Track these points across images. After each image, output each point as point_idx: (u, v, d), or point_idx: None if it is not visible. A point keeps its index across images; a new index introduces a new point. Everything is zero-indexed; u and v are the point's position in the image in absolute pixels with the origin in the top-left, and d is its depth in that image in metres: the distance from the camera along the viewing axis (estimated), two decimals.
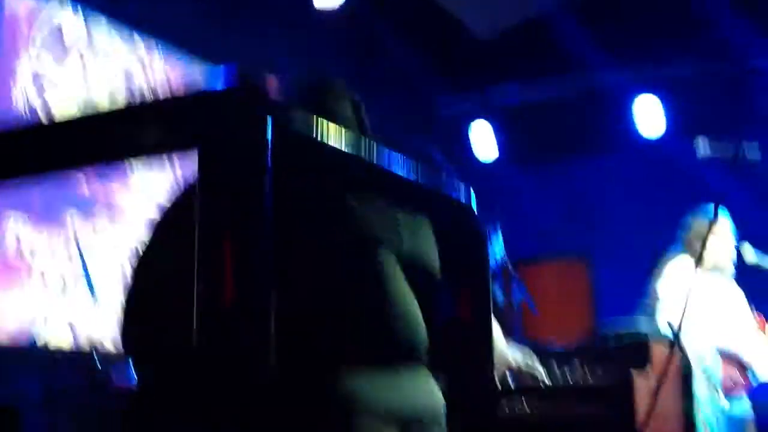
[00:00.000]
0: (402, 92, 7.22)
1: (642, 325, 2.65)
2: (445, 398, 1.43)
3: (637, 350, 2.28)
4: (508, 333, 5.87)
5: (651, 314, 4.23)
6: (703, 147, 3.49)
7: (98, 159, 1.14)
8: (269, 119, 0.77)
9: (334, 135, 0.89)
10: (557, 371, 2.41)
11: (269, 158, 0.74)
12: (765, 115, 6.23)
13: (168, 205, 1.80)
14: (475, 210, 1.22)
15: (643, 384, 2.16)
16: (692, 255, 4.08)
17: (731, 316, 4.09)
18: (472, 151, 7.27)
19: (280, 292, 1.22)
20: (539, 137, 7.20)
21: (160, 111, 0.84)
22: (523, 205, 7.70)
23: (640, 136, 6.70)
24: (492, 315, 1.28)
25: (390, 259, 1.69)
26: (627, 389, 2.09)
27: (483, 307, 1.25)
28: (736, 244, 4.09)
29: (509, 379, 2.18)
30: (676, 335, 2.54)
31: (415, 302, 1.72)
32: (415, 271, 1.73)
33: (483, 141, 7.28)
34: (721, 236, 4.10)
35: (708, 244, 4.08)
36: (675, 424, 2.41)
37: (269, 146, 0.75)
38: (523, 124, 7.21)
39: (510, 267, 5.26)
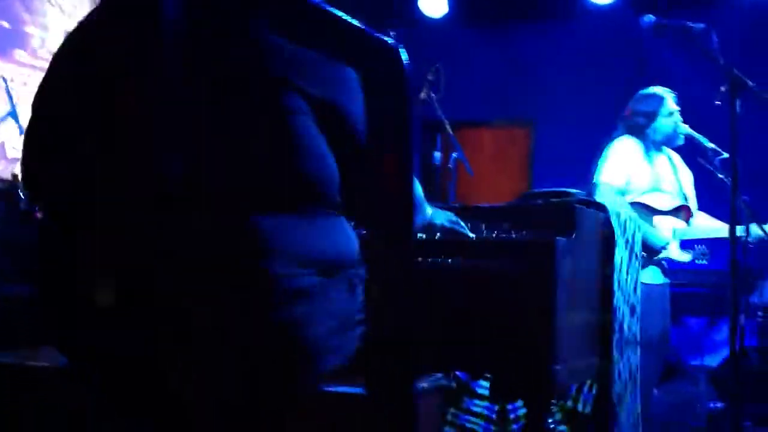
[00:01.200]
0: None
1: (575, 193, 2.68)
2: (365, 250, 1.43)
3: (563, 212, 2.31)
4: (442, 192, 5.89)
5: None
6: (648, 22, 3.50)
7: None
8: None
9: None
10: (483, 229, 2.44)
11: None
12: None
13: (68, 35, 1.73)
14: (405, 60, 1.19)
15: (567, 245, 2.20)
16: (636, 136, 4.17)
17: (666, 195, 4.22)
18: (417, 4, 7.11)
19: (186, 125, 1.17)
20: None
21: None
22: (470, 65, 7.63)
23: (591, 3, 6.64)
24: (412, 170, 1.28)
25: (298, 102, 1.64)
26: (548, 248, 2.13)
27: (405, 160, 1.24)
28: (679, 119, 4.18)
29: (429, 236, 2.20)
30: (603, 204, 2.60)
31: (324, 147, 1.70)
32: (329, 118, 1.70)
33: None
34: (667, 114, 4.19)
35: (655, 123, 4.18)
36: (595, 284, 2.48)
37: None
38: None
39: (447, 125, 5.26)
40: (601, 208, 2.55)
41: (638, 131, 4.20)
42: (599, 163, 4.21)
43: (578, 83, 7.21)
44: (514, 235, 2.37)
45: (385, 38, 1.12)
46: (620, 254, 2.62)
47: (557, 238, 2.18)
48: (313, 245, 1.70)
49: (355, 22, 1.12)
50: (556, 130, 7.44)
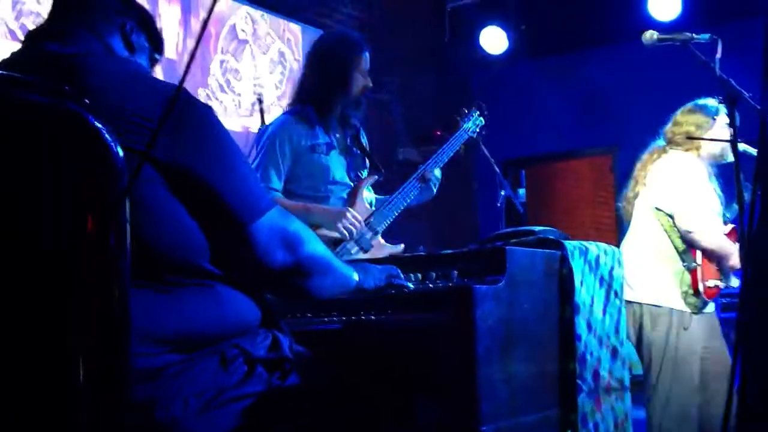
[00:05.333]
0: None
1: (537, 231, 2.49)
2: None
3: (494, 256, 2.14)
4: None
5: (627, 216, 4.05)
6: (649, 39, 3.29)
7: None
8: None
9: None
10: (434, 278, 2.30)
11: None
12: None
13: None
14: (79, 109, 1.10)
15: (491, 291, 2.04)
16: (686, 149, 3.87)
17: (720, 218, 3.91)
18: (479, 43, 7.00)
19: None
20: (549, 27, 6.88)
21: None
22: (543, 98, 7.44)
23: (654, 21, 6.36)
24: (127, 231, 1.18)
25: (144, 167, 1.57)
26: (466, 296, 1.97)
27: (112, 221, 1.15)
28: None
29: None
30: (561, 242, 2.40)
31: (181, 214, 1.62)
32: (184, 184, 1.61)
33: (492, 33, 6.99)
34: (723, 126, 3.91)
35: (708, 136, 3.88)
36: (548, 329, 2.28)
37: None
38: (533, 13, 6.89)
39: (494, 164, 5.09)
40: (557, 246, 2.35)
41: (688, 146, 3.89)
42: (665, 186, 3.85)
43: (654, 103, 6.87)
44: (449, 284, 2.21)
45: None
46: (589, 293, 2.41)
47: (475, 285, 2.01)
48: (170, 321, 1.62)
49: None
50: (638, 153, 7.11)
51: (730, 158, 3.90)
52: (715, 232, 3.75)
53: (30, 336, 1.06)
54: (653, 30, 5.24)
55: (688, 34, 3.21)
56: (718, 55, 3.07)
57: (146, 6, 1.87)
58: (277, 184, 3.23)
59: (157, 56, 1.91)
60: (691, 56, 6.77)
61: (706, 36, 3.15)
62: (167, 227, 1.60)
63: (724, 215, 3.92)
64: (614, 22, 6.62)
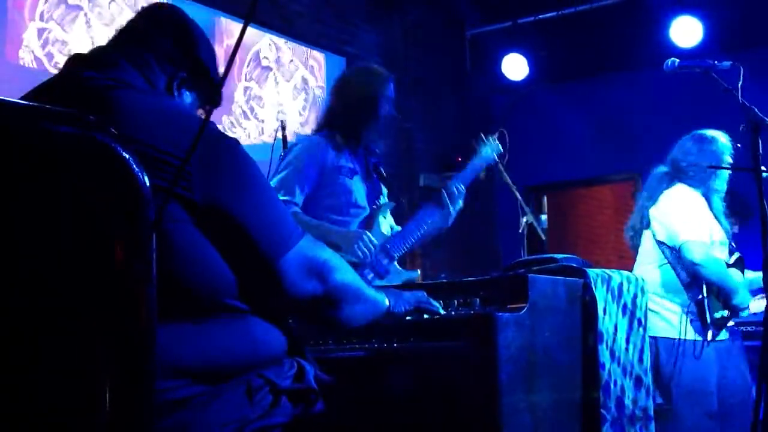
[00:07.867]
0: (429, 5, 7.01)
1: (560, 259, 2.49)
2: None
3: (516, 284, 2.14)
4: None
5: (635, 247, 4.04)
6: (671, 66, 3.30)
7: None
8: None
9: None
10: (456, 305, 2.30)
11: None
12: None
13: None
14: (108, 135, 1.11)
15: (514, 319, 2.03)
16: (692, 184, 3.87)
17: (725, 247, 3.90)
18: (500, 69, 7.01)
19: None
20: (570, 54, 6.89)
21: None
22: (560, 126, 7.44)
23: (675, 48, 6.34)
24: (153, 260, 1.19)
25: (177, 210, 1.56)
26: (488, 324, 1.97)
27: (139, 250, 1.16)
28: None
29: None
30: (584, 270, 2.40)
31: (210, 252, 1.61)
32: (216, 223, 1.60)
33: (513, 59, 7.01)
34: (728, 162, 3.90)
35: (718, 170, 3.86)
36: (571, 357, 2.28)
37: None
38: (554, 40, 6.90)
39: (515, 190, 5.08)
40: (580, 273, 2.35)
41: (696, 178, 3.89)
42: (667, 218, 3.88)
43: (676, 129, 6.85)
44: (471, 312, 2.21)
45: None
46: (612, 321, 2.40)
47: (498, 312, 2.01)
48: (198, 352, 1.61)
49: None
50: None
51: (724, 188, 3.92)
52: (719, 266, 3.72)
53: (54, 362, 1.08)
54: (675, 57, 5.27)
55: (709, 62, 3.21)
56: (740, 82, 3.06)
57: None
58: (299, 198, 3.25)
59: (206, 107, 1.88)
60: (712, 83, 6.78)
61: (728, 63, 3.15)
62: (196, 267, 1.58)
63: (730, 244, 3.91)
64: (635, 49, 6.62)
